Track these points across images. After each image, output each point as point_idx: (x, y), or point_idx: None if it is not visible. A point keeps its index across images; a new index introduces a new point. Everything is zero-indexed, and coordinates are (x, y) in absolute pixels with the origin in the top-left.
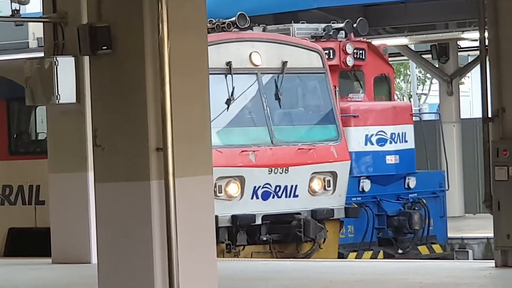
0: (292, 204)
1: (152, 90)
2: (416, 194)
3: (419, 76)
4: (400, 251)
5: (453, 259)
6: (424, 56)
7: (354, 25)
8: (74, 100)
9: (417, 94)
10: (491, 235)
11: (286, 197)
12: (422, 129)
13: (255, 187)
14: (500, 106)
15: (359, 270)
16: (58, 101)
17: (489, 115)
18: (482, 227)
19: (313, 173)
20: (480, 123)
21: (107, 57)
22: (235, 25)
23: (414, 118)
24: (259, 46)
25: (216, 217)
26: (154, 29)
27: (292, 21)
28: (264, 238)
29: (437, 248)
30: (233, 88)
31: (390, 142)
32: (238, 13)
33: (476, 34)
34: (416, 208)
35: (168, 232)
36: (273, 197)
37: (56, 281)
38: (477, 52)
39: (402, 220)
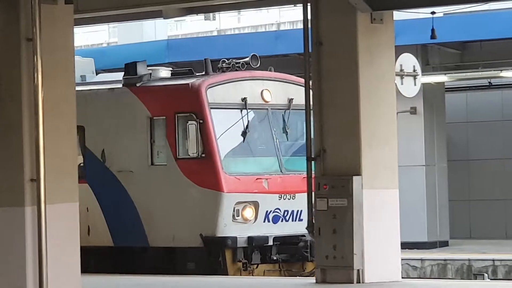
0: (297, 227)
1: (27, 130)
2: None
3: None
4: None
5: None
6: None
7: None
8: None
9: None
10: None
11: (292, 220)
12: None
13: (267, 211)
14: (321, 147)
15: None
16: None
17: (312, 155)
18: None
19: None
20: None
21: None
22: (248, 65)
23: None
24: (269, 84)
25: (235, 238)
26: (30, 78)
27: None
28: (275, 258)
29: None
30: (248, 122)
31: None
32: (252, 54)
33: None
34: None
35: (40, 250)
36: (282, 220)
37: None
38: None
39: None
